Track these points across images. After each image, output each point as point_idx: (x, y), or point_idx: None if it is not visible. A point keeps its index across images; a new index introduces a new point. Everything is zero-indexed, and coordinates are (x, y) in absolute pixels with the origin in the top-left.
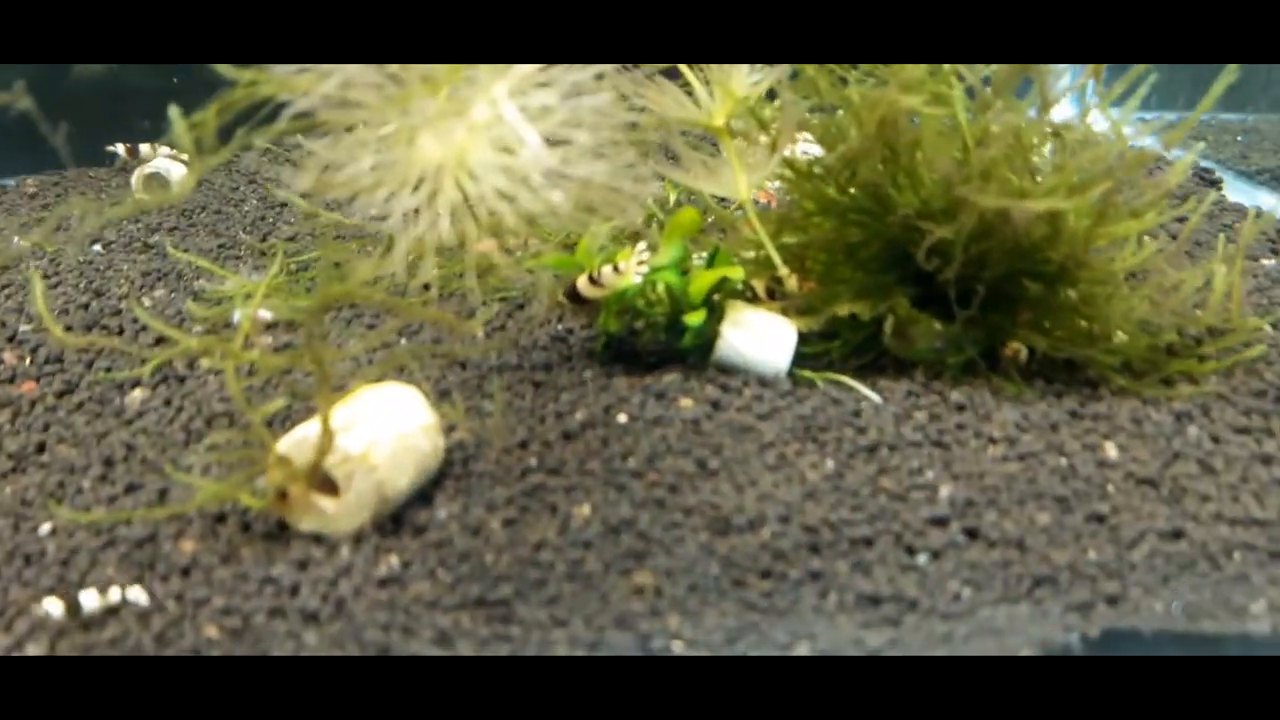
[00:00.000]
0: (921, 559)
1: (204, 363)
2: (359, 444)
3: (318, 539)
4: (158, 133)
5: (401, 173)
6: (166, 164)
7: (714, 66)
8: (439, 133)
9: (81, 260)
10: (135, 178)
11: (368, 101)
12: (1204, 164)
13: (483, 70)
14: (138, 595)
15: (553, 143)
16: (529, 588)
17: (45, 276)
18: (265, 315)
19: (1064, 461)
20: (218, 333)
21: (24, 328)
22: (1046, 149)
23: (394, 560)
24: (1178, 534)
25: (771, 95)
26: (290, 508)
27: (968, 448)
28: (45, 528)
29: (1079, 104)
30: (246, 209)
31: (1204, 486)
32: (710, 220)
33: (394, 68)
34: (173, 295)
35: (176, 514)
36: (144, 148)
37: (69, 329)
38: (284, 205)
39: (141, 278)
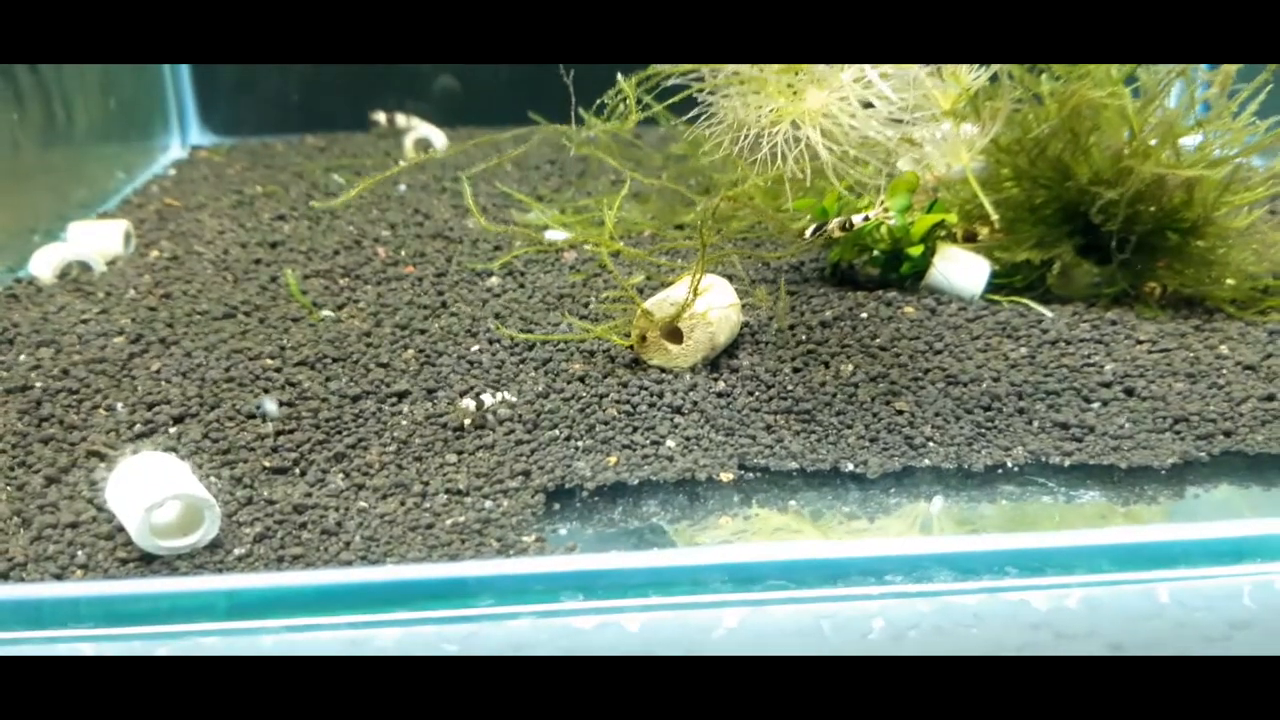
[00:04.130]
0: (1095, 405)
1: (567, 256)
2: (701, 306)
3: (663, 370)
4: (401, 104)
5: (788, 115)
6: (428, 129)
7: (947, 66)
8: (814, 90)
9: (395, 196)
10: (408, 141)
11: (754, 77)
12: None
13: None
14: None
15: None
16: (821, 406)
17: (376, 204)
18: (562, 235)
19: (1191, 354)
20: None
21: (384, 233)
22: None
23: (722, 384)
24: (1271, 397)
25: (994, 78)
26: (647, 348)
27: (1122, 344)
28: (475, 347)
29: (1207, 107)
30: (509, 169)
31: None
32: (927, 181)
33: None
34: (487, 222)
35: (565, 344)
36: (399, 117)
37: (419, 237)
38: (535, 167)
39: (452, 210)
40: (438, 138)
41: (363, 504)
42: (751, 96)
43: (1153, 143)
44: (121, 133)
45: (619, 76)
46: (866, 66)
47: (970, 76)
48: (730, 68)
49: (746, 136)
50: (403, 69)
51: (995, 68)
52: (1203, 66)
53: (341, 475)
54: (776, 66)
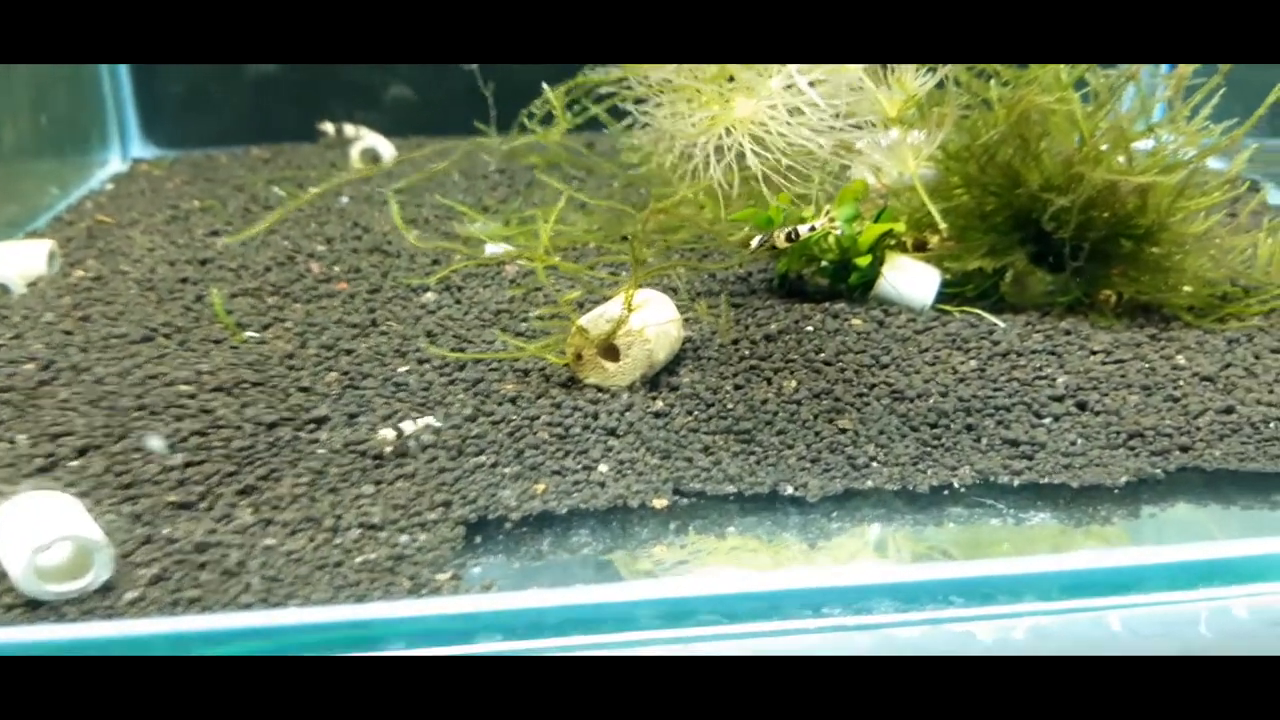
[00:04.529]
0: (1047, 420)
1: (508, 269)
2: (638, 323)
3: (600, 390)
4: (350, 114)
5: (719, 124)
6: (376, 139)
7: (892, 70)
8: (743, 99)
9: (337, 208)
10: (354, 151)
11: (684, 84)
12: (1250, 176)
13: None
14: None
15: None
16: (761, 425)
17: (315, 217)
18: (505, 248)
19: (1146, 365)
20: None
21: (319, 248)
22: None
23: (660, 404)
24: (1229, 410)
25: (940, 84)
26: (583, 367)
27: (1075, 355)
28: (403, 368)
29: (1165, 110)
30: (455, 179)
31: (1248, 382)
32: (876, 189)
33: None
34: (424, 235)
35: (499, 363)
36: (348, 127)
37: (355, 251)
38: (484, 177)
39: (392, 224)
40: (385, 148)
41: (269, 541)
42: (683, 105)
43: (1104, 148)
44: (56, 148)
45: (544, 85)
46: (794, 73)
47: (916, 82)
48: (660, 75)
49: (680, 147)
50: (353, 78)
51: (942, 72)
52: (1162, 68)
53: (250, 510)
54: (710, 72)
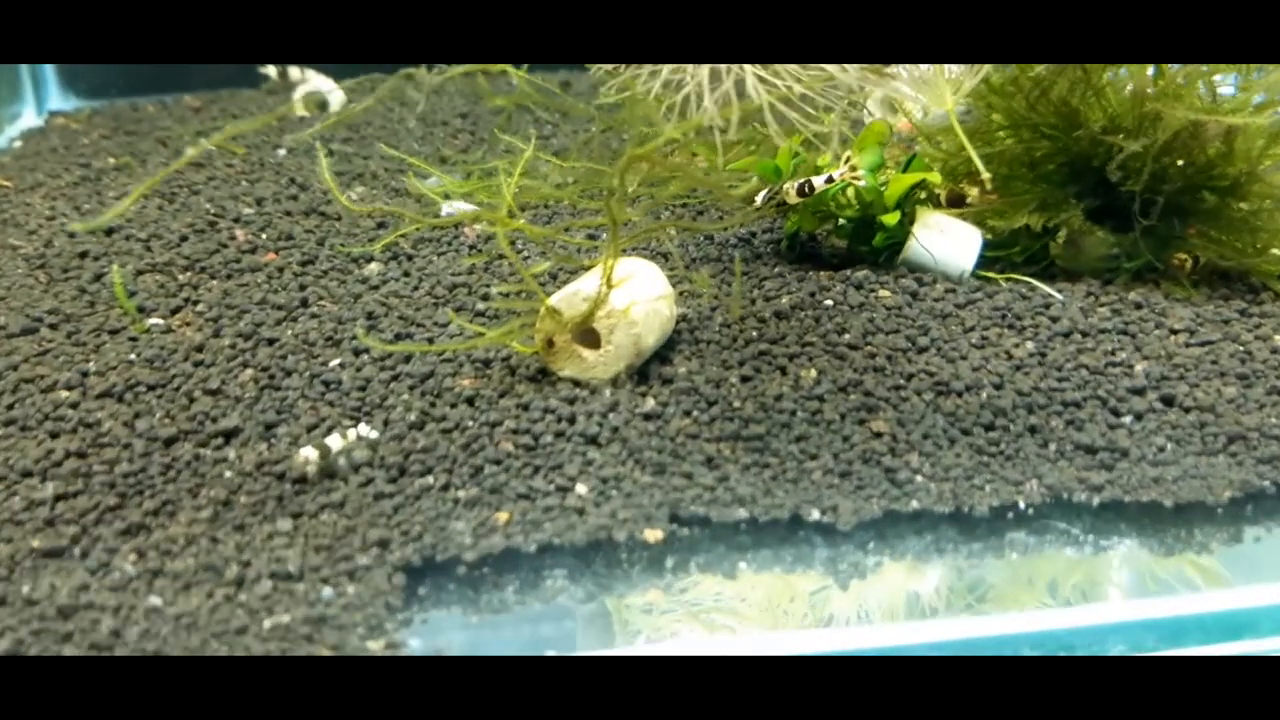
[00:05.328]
0: (1127, 419)
1: (468, 233)
2: (622, 301)
3: (577, 384)
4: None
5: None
6: (323, 82)
7: None
8: None
9: (273, 162)
10: (297, 95)
11: None
12: None
13: None
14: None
15: None
16: (777, 428)
17: (246, 173)
18: (466, 207)
19: (1239, 347)
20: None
21: (247, 210)
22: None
23: (651, 402)
24: None
25: None
26: (555, 356)
27: (1152, 335)
28: (335, 361)
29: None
30: (410, 126)
31: None
32: (901, 130)
33: None
34: (373, 192)
35: (450, 355)
36: (293, 70)
37: (288, 214)
38: (443, 123)
39: (337, 177)
40: (334, 93)
41: (155, 600)
42: None
43: (1181, 81)
44: None
45: None
46: None
47: None
48: None
49: (665, 71)
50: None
51: None
52: None
53: (134, 556)
54: None
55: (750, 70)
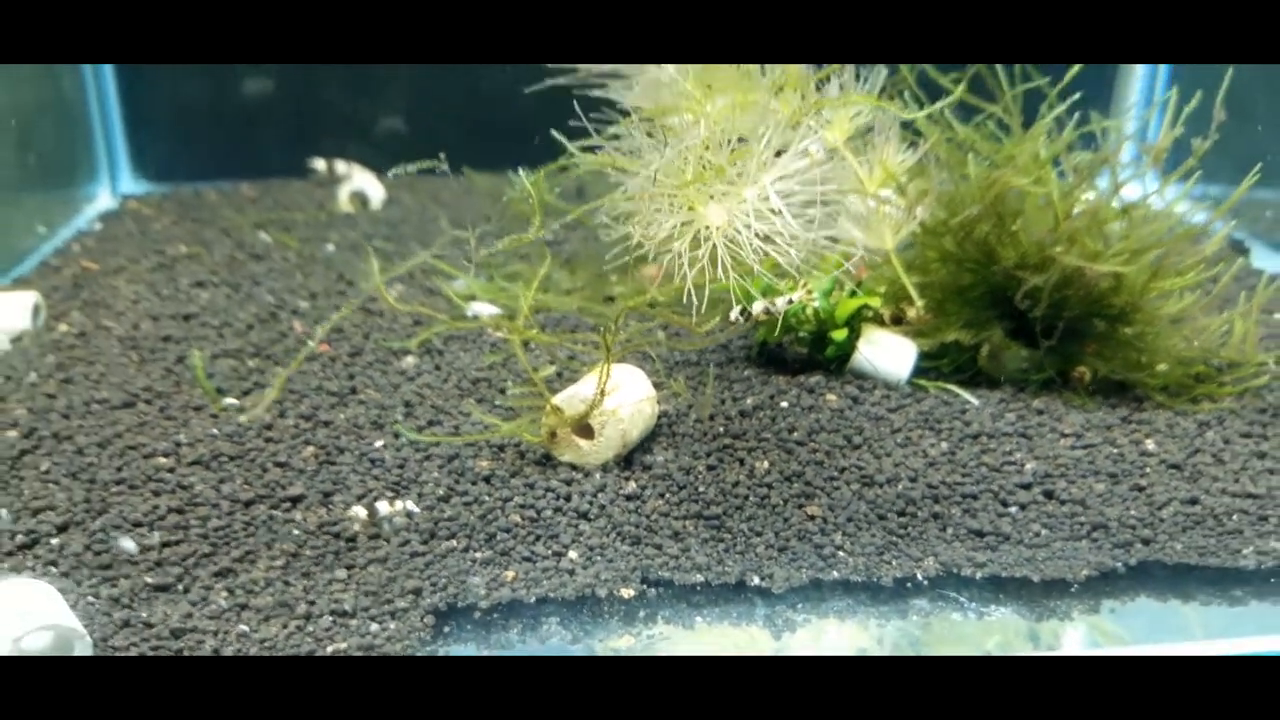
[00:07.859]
0: (1013, 509)
1: (497, 333)
2: (612, 402)
3: (574, 468)
4: (344, 148)
5: (692, 228)
6: (366, 180)
7: (874, 147)
8: (718, 203)
9: (322, 256)
10: (342, 193)
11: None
12: (1237, 235)
13: (750, 166)
14: (408, 506)
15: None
16: (732, 510)
17: (300, 266)
18: (489, 310)
19: (1115, 450)
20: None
21: (304, 303)
22: (1117, 224)
23: (633, 485)
24: (1194, 501)
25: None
26: (556, 444)
27: (1045, 438)
28: (379, 442)
29: (1144, 184)
30: (442, 225)
31: (1215, 471)
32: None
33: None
34: (409, 290)
35: (474, 440)
36: (339, 164)
37: (339, 309)
38: (472, 225)
39: (379, 275)
40: (375, 190)
41: (244, 627)
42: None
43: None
44: (41, 182)
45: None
46: (768, 185)
47: (898, 158)
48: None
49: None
50: (346, 107)
51: (923, 149)
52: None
53: (225, 593)
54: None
55: (721, 249)
